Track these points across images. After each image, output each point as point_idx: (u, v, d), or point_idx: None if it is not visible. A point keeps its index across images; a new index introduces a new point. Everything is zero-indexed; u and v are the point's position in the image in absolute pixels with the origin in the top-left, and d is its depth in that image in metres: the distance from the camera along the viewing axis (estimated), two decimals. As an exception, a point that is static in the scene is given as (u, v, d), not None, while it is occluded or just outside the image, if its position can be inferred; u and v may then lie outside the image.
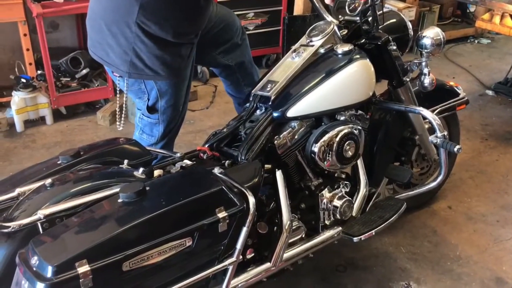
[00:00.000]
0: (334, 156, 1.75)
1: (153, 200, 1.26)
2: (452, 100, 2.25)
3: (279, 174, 1.71)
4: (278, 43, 4.03)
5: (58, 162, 1.52)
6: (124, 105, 1.97)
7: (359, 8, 1.88)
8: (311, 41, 1.87)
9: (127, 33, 1.68)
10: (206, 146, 1.75)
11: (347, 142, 1.77)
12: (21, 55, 3.18)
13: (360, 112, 1.91)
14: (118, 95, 1.92)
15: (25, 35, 3.06)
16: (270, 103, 1.73)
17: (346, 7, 1.95)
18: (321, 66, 1.79)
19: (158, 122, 1.91)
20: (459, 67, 4.36)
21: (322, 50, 1.85)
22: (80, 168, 1.48)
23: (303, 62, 1.80)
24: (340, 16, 1.99)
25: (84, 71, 3.18)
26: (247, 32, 3.81)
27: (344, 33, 1.94)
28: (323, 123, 1.80)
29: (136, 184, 1.27)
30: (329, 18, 1.97)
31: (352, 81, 1.80)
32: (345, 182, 1.91)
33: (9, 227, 1.20)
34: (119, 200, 1.25)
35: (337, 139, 1.74)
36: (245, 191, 1.39)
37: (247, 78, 2.25)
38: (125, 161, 1.54)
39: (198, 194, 1.29)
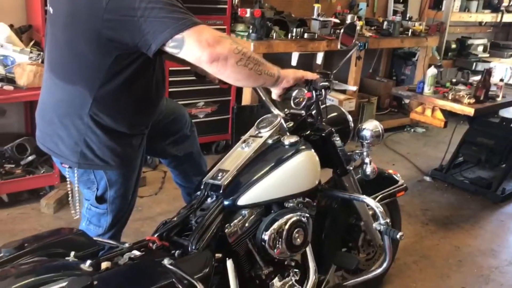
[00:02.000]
0: (283, 243, 1.78)
1: (102, 296, 1.23)
2: (392, 187, 2.37)
3: (230, 264, 1.71)
4: (227, 130, 4.16)
5: (0, 255, 1.46)
6: (76, 191, 1.95)
7: (303, 103, 2.02)
8: (259, 132, 1.96)
9: (79, 125, 1.71)
10: (156, 235, 1.73)
11: (296, 230, 1.81)
12: (-37, 141, 3.11)
13: (307, 199, 1.98)
14: (68, 183, 1.89)
15: (-31, 121, 3.01)
16: (221, 192, 1.77)
17: (292, 101, 2.08)
18: (269, 156, 1.87)
19: (106, 212, 1.89)
20: (398, 154, 4.62)
21: (270, 141, 1.93)
22: (23, 262, 1.43)
23: (253, 152, 1.87)
24: (285, 109, 2.11)
25: (30, 158, 3.13)
26: (197, 120, 3.96)
27: (291, 125, 2.05)
28: (272, 211, 1.85)
29: (83, 279, 1.24)
30: (275, 111, 2.08)
31: (298, 170, 1.88)
32: (295, 270, 1.93)
33: None
34: (65, 297, 1.20)
35: (287, 226, 1.78)
36: (195, 283, 1.38)
37: (195, 168, 2.30)
38: (72, 253, 1.50)
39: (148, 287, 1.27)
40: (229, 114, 4.12)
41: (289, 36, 4.08)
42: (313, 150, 1.93)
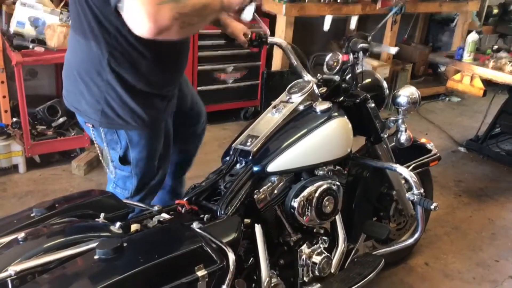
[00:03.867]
0: (313, 211, 1.75)
1: (131, 258, 1.23)
2: (425, 157, 2.30)
3: (258, 229, 1.70)
4: (256, 96, 4.10)
5: (32, 215, 1.47)
6: (106, 151, 1.95)
7: (337, 67, 1.95)
8: (290, 98, 1.90)
9: (99, 82, 1.68)
10: (185, 199, 1.73)
11: (326, 198, 1.77)
12: (-4, 102, 3.14)
13: (338, 167, 1.94)
14: (95, 143, 1.90)
15: (2, 82, 3.03)
16: (250, 158, 1.74)
17: (324, 66, 2.01)
18: (300, 123, 1.82)
19: (131, 175, 1.88)
20: (432, 124, 4.49)
21: (301, 107, 1.88)
22: (54, 222, 1.44)
23: (283, 118, 1.83)
24: (318, 74, 2.04)
25: (61, 120, 3.15)
26: (226, 85, 3.91)
27: (323, 91, 1.99)
28: (302, 178, 1.81)
29: (113, 241, 1.24)
30: (307, 76, 2.02)
31: (330, 138, 1.83)
32: (324, 237, 1.90)
33: (-24, 284, 1.14)
34: (95, 257, 1.21)
35: (316, 194, 1.75)
36: (225, 247, 1.37)
37: (183, 169, 2.34)
38: (102, 215, 1.50)
39: (177, 251, 1.26)
40: (259, 80, 4.05)
41: (322, -1, 3.94)
42: (346, 117, 1.87)
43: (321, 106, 1.85)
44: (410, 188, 1.93)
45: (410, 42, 5.46)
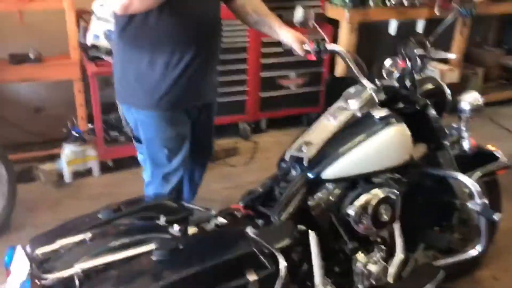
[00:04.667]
0: (369, 219, 1.74)
1: (186, 260, 1.29)
2: (491, 164, 2.20)
3: (312, 236, 1.71)
4: (319, 102, 4.10)
5: (99, 216, 1.59)
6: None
7: (396, 74, 1.93)
8: (347, 104, 1.90)
9: (119, 53, 1.91)
10: (241, 204, 1.78)
11: (383, 206, 1.76)
12: (73, 109, 3.37)
13: (397, 175, 1.91)
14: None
15: (79, 91, 3.25)
16: (305, 164, 1.76)
17: (384, 72, 1.99)
18: (357, 130, 1.82)
19: (146, 156, 2.00)
20: (505, 130, 4.26)
21: (358, 114, 1.87)
22: (119, 223, 1.54)
23: (340, 125, 1.83)
24: (376, 81, 2.02)
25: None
26: (288, 92, 3.93)
27: (382, 97, 1.97)
28: (358, 186, 1.81)
29: (170, 243, 1.31)
30: (365, 82, 2.01)
31: (388, 145, 1.81)
32: (381, 246, 1.88)
33: (46, 279, 1.25)
34: (153, 258, 1.28)
35: (373, 202, 1.73)
36: (276, 253, 1.40)
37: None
38: (163, 217, 1.58)
39: (229, 255, 1.31)
40: (321, 86, 4.05)
41: (388, 3, 3.88)
42: (404, 124, 1.84)
43: (379, 113, 1.83)
44: (473, 197, 1.87)
45: (483, 45, 5.22)
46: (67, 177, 3.19)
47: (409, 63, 1.82)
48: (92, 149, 3.22)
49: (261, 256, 1.34)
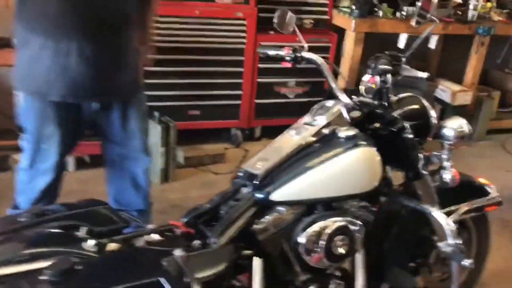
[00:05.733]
0: (322, 251, 1.54)
1: (77, 283, 1.12)
2: (480, 200, 1.98)
3: (256, 262, 1.52)
4: (318, 113, 3.90)
5: (19, 220, 1.43)
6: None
7: (375, 89, 1.73)
8: (314, 119, 1.71)
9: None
10: (183, 221, 1.60)
11: (340, 237, 1.56)
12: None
13: (364, 203, 1.71)
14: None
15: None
16: (256, 182, 1.57)
17: (362, 88, 1.80)
18: (319, 149, 1.62)
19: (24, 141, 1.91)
20: (517, 160, 3.99)
21: (326, 131, 1.68)
22: (27, 231, 1.38)
23: (301, 142, 1.64)
24: (353, 97, 1.83)
25: (113, 122, 3.19)
26: (286, 100, 3.74)
27: (357, 115, 1.77)
28: (315, 212, 1.61)
29: (65, 262, 1.14)
30: (341, 96, 1.82)
31: (352, 169, 1.61)
32: (338, 281, 1.67)
33: None
34: (42, 277, 1.11)
35: (328, 231, 1.54)
36: (193, 285, 1.21)
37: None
38: (84, 229, 1.41)
39: (129, 283, 1.13)
40: (322, 97, 3.84)
41: (398, 15, 3.66)
42: (373, 148, 1.63)
43: (345, 132, 1.64)
44: (445, 237, 1.65)
45: (503, 68, 4.94)
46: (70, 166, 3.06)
47: (378, 79, 1.62)
48: (69, 143, 3.08)
49: (169, 286, 1.16)
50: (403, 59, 1.67)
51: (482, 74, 4.40)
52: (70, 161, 3.12)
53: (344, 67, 3.72)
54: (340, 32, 3.74)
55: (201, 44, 3.35)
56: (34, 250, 1.25)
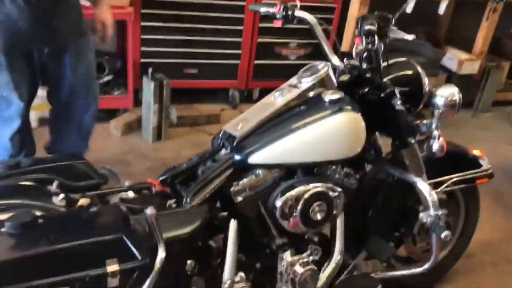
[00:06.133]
0: (298, 215, 1.52)
1: (40, 237, 1.10)
2: (471, 172, 1.93)
3: (232, 224, 1.50)
4: (319, 77, 3.81)
5: (-4, 171, 1.41)
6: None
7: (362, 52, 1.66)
8: (300, 82, 1.65)
9: None
10: (159, 179, 1.57)
11: (317, 203, 1.53)
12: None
13: (347, 169, 1.67)
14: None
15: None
16: (234, 144, 1.53)
17: (354, 51, 1.72)
18: (301, 112, 1.57)
19: None
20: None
21: (311, 94, 1.62)
22: (1, 183, 1.36)
23: (284, 104, 1.59)
24: (345, 59, 1.76)
25: (107, 78, 3.15)
26: (287, 61, 3.65)
27: (345, 78, 1.71)
28: (296, 176, 1.58)
29: (26, 215, 1.12)
30: (333, 59, 1.74)
31: (334, 134, 1.56)
32: (315, 247, 1.65)
33: None
34: (2, 230, 1.10)
35: (306, 196, 1.50)
36: (159, 243, 1.19)
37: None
38: (55, 182, 1.39)
39: (90, 238, 1.11)
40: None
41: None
42: (358, 113, 1.57)
43: (330, 95, 1.57)
44: (427, 207, 1.61)
45: (517, 37, 4.76)
46: (33, 122, 3.03)
47: (364, 40, 1.55)
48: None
49: (130, 245, 1.14)
50: (392, 20, 1.58)
51: (494, 43, 4.25)
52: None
53: (348, 30, 3.60)
54: (345, -8, 3.61)
55: (200, 0, 3.25)
56: (2, 202, 1.24)
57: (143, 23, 3.22)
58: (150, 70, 2.97)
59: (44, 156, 1.68)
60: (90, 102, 2.14)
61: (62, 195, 1.32)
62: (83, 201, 1.37)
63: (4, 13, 1.79)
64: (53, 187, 1.39)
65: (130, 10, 2.99)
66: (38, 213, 1.17)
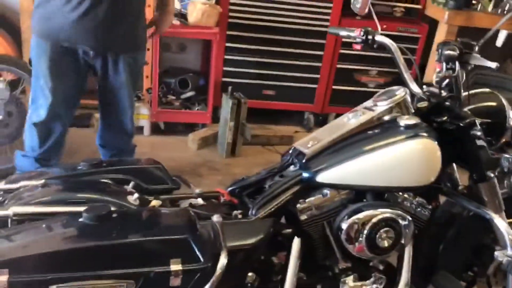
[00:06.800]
0: (364, 240, 1.48)
1: (112, 230, 1.17)
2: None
3: (295, 242, 1.50)
4: (398, 106, 3.74)
5: (78, 167, 1.53)
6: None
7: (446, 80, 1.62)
8: (375, 105, 1.63)
9: None
10: (228, 189, 1.62)
11: (384, 229, 1.48)
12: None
13: (419, 199, 1.61)
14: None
15: (148, 49, 3.26)
16: (303, 161, 1.54)
17: (434, 76, 1.69)
18: (375, 134, 1.55)
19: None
20: None
21: (386, 118, 1.60)
22: (84, 179, 1.46)
23: (357, 125, 1.58)
24: (424, 87, 1.72)
25: (189, 94, 3.29)
26: (366, 89, 3.62)
27: (423, 105, 1.67)
28: (364, 200, 1.55)
29: (102, 208, 1.20)
30: (412, 85, 1.71)
31: (408, 160, 1.52)
32: (380, 275, 1.60)
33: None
34: (79, 220, 1.18)
35: (374, 221, 1.47)
36: (222, 250, 1.22)
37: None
38: (131, 183, 1.48)
39: (157, 236, 1.16)
40: (405, 90, 3.67)
41: (498, 9, 3.38)
42: (434, 140, 1.52)
43: (406, 120, 1.54)
44: (504, 246, 1.52)
45: None
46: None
47: (444, 66, 1.51)
48: (146, 108, 3.23)
49: (194, 247, 1.17)
50: (476, 48, 1.53)
51: None
52: (146, 125, 3.27)
53: (432, 61, 3.52)
54: (433, 24, 3.54)
55: (283, 24, 3.33)
56: (82, 195, 1.33)
57: (227, 44, 3.35)
58: (230, 89, 3.07)
59: (124, 158, 1.78)
60: (129, 107, 2.24)
61: (136, 195, 1.39)
62: (155, 203, 1.44)
63: (65, 12, 1.92)
64: (129, 187, 1.47)
65: (216, 31, 3.13)
66: (113, 208, 1.24)
